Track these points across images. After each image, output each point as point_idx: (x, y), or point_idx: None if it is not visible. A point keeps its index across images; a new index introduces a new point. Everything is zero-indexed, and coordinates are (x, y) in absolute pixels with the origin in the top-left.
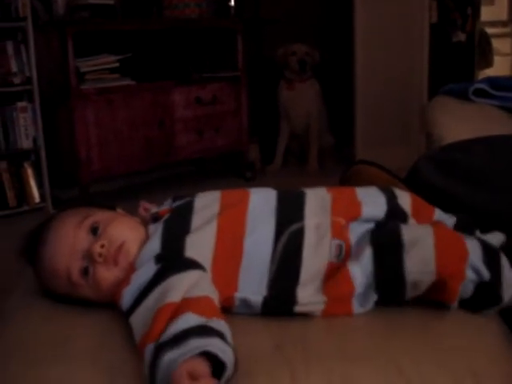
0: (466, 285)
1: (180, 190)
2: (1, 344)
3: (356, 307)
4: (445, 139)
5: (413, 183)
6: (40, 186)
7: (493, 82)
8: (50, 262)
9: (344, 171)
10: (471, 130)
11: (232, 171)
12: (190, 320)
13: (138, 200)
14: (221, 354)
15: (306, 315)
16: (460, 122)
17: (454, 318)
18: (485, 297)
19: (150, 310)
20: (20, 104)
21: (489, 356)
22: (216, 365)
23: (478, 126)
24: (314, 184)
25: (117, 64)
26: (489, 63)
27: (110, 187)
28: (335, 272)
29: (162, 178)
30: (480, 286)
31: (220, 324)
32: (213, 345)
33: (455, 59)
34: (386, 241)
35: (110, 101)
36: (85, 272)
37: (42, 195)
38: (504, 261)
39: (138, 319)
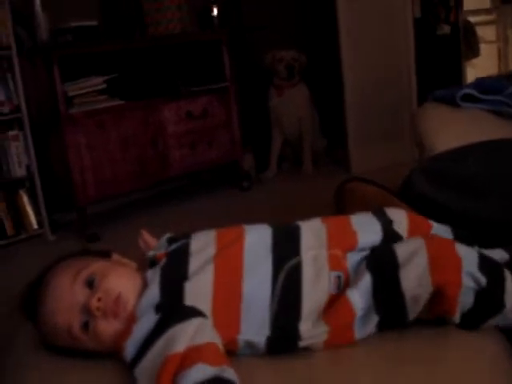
0: (466, 293)
1: (177, 204)
2: None
3: (358, 332)
4: (436, 147)
5: (407, 196)
6: (37, 212)
7: (480, 85)
8: (49, 319)
9: (338, 187)
10: (462, 136)
11: (228, 182)
12: (203, 371)
13: (135, 218)
14: None
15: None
16: (450, 129)
17: (455, 342)
18: (486, 306)
19: (154, 361)
20: (11, 133)
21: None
22: None
23: (468, 131)
24: (310, 188)
25: (104, 85)
26: (475, 53)
27: (106, 207)
28: (335, 301)
29: (159, 193)
30: (480, 295)
31: (231, 373)
32: None
33: (442, 52)
34: (382, 263)
35: (100, 123)
36: (85, 326)
37: (39, 221)
38: (506, 272)
39: (144, 371)
